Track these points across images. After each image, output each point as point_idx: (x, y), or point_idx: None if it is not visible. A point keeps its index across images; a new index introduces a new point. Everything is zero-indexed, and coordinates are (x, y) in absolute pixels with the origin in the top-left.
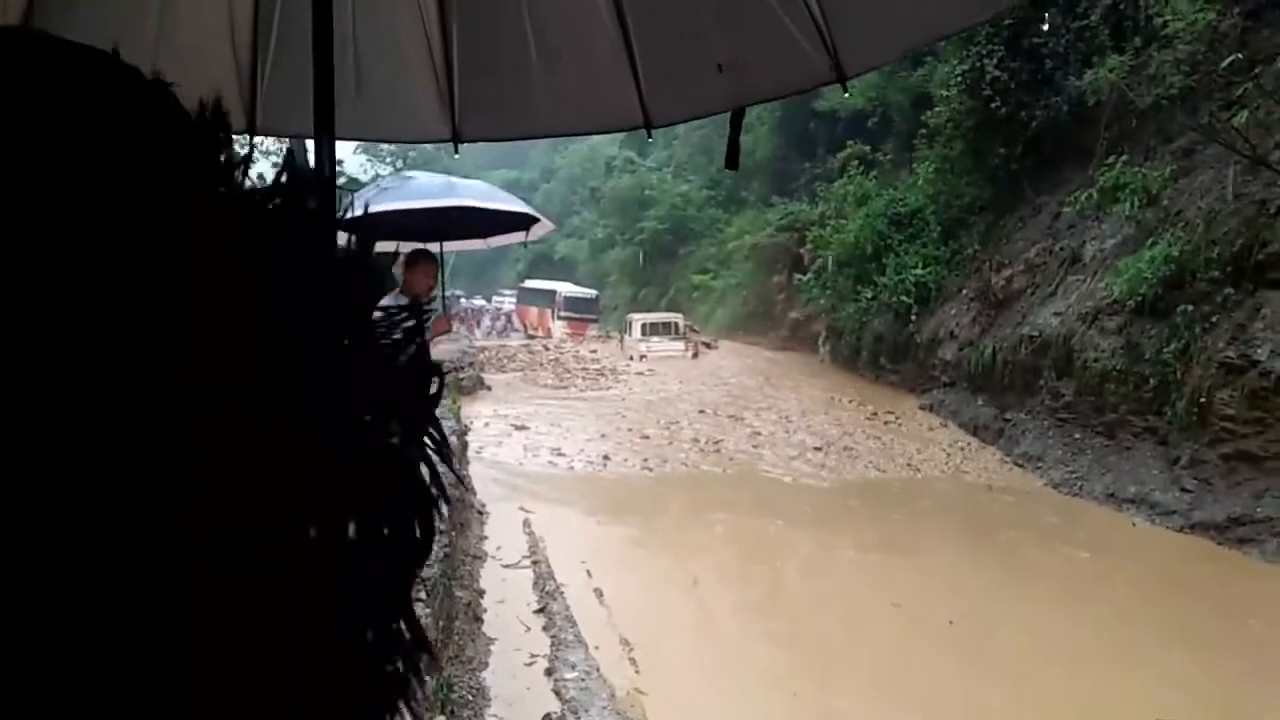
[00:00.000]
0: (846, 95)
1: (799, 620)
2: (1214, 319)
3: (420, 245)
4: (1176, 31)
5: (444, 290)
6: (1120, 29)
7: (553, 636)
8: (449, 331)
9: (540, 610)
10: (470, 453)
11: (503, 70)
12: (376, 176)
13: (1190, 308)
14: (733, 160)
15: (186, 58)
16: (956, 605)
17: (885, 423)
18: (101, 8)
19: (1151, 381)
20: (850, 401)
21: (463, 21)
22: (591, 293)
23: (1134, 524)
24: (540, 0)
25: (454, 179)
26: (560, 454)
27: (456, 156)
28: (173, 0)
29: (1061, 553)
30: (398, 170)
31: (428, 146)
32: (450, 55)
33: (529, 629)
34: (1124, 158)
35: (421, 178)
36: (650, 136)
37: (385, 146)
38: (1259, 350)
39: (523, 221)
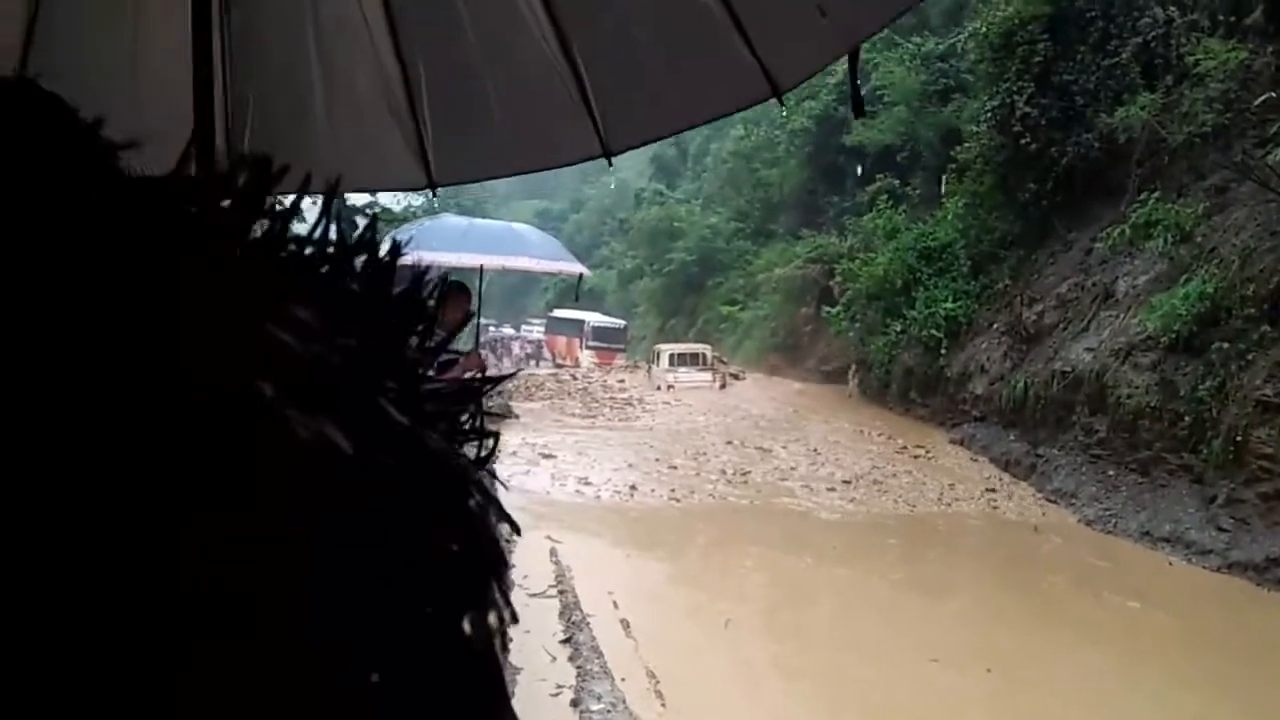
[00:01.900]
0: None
1: (829, 659)
2: (1250, 356)
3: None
4: (1208, 70)
5: (478, 319)
6: (1151, 67)
7: (579, 667)
8: (483, 369)
9: (566, 640)
10: (498, 481)
11: (466, 113)
12: (408, 206)
13: (1226, 345)
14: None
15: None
16: (993, 651)
17: (915, 457)
18: (85, 76)
19: (1186, 419)
20: (879, 435)
21: (421, 66)
22: (619, 322)
23: (1170, 563)
24: (491, 44)
25: (514, 226)
26: (587, 483)
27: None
28: (148, 56)
29: (1099, 596)
30: (430, 201)
31: None
32: (415, 100)
33: (555, 659)
34: (1156, 194)
35: (478, 225)
36: (610, 164)
37: None
38: None
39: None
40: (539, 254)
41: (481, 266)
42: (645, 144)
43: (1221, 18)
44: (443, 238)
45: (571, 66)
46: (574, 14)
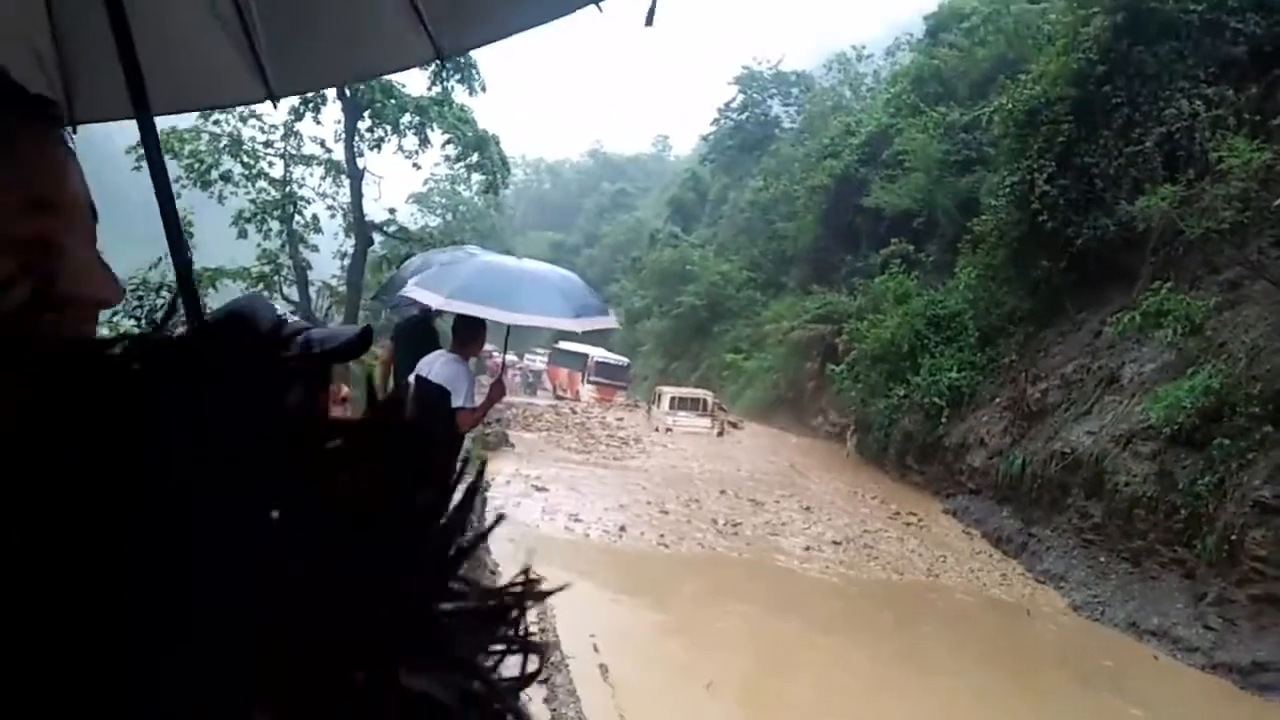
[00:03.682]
0: (880, 188)
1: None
2: (1251, 456)
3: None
4: (1232, 167)
5: (505, 350)
6: (1174, 158)
7: (554, 710)
8: (503, 393)
9: (543, 682)
10: (489, 510)
11: (298, 23)
12: (424, 226)
13: (1228, 442)
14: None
15: None
16: None
17: (907, 524)
18: None
19: (1183, 512)
20: (873, 498)
21: None
22: (623, 360)
23: (1156, 657)
24: None
25: (566, 278)
26: (578, 519)
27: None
28: None
29: (1084, 684)
30: (447, 223)
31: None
32: (244, 14)
33: (529, 699)
34: (1169, 284)
35: (527, 276)
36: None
37: (437, 197)
38: None
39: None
40: (589, 313)
41: None
42: (477, 47)
43: (1247, 116)
44: (492, 290)
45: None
46: None
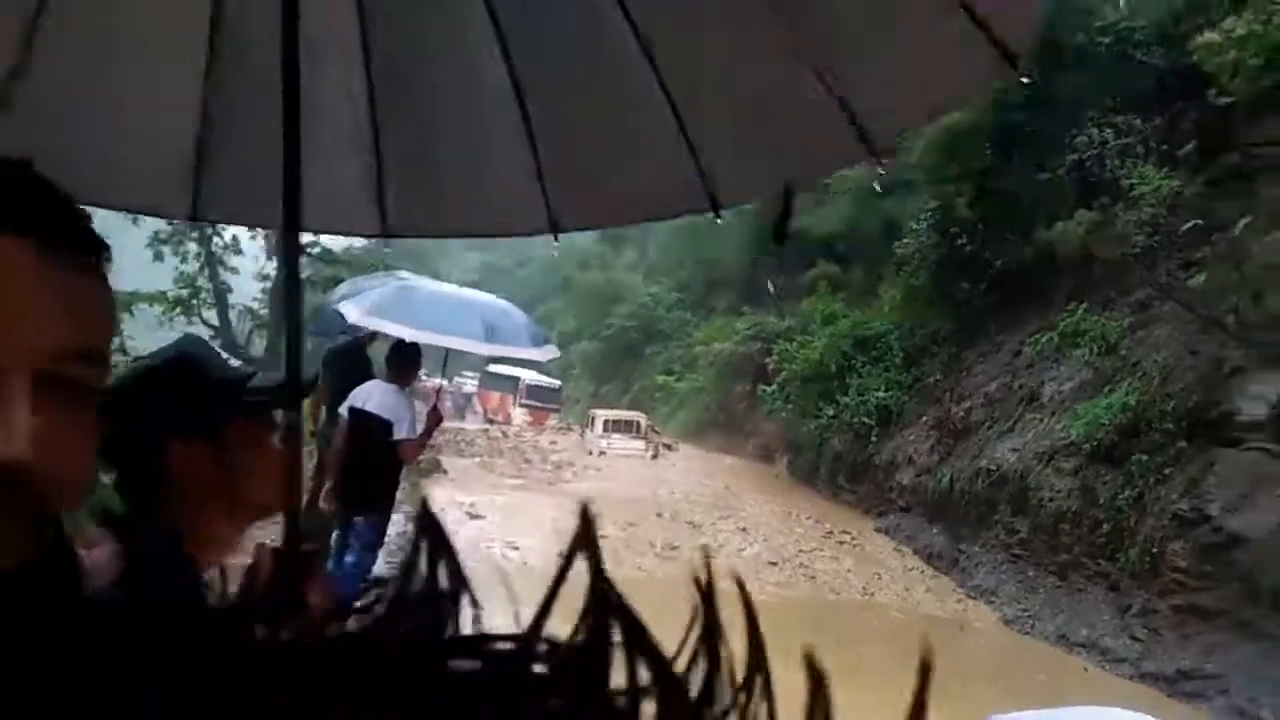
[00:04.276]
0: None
1: None
2: (1168, 470)
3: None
4: (1142, 194)
5: (444, 375)
6: (1087, 184)
7: None
8: (440, 421)
9: None
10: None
11: (425, 169)
12: (349, 248)
13: (1145, 457)
14: (780, 235)
15: (135, 132)
16: None
17: (840, 543)
18: (55, 77)
19: (1105, 526)
20: (807, 518)
21: (389, 121)
22: (555, 383)
23: (1086, 669)
24: (455, 107)
25: (501, 308)
26: (514, 547)
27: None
28: (123, 69)
29: (1018, 698)
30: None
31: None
32: (381, 154)
33: None
34: (1084, 305)
35: (426, 293)
36: (555, 240)
37: None
38: (1211, 505)
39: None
40: (510, 340)
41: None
42: (591, 229)
43: (1154, 144)
44: (410, 309)
45: (530, 139)
46: (537, 88)
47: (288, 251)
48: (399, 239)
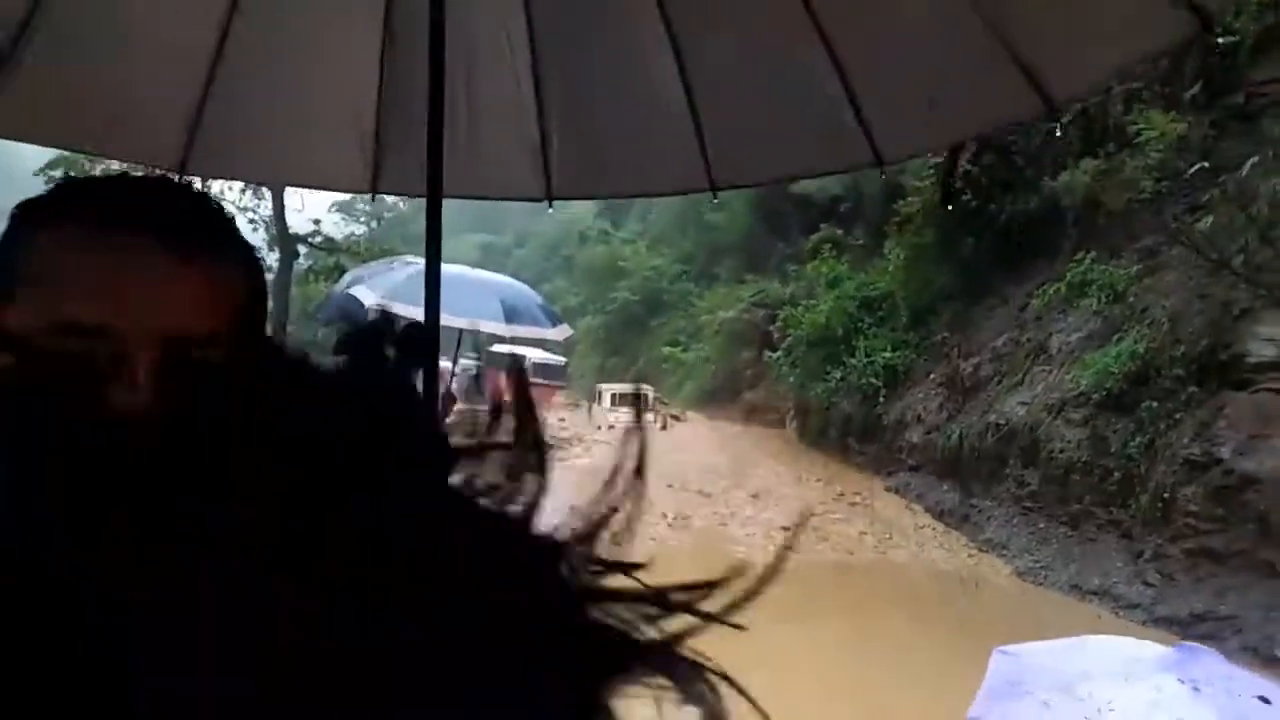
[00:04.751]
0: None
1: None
2: (1178, 416)
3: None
4: (1148, 139)
5: (457, 358)
6: (1091, 133)
7: None
8: (454, 403)
9: None
10: None
11: (588, 134)
12: (350, 235)
13: (1155, 404)
14: (947, 198)
15: (121, 71)
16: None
17: (852, 504)
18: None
19: (1116, 475)
20: (818, 481)
21: (553, 84)
22: (560, 360)
23: (1099, 616)
24: (616, 69)
25: (515, 288)
26: None
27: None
28: (306, 67)
29: None
30: (374, 231)
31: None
32: (544, 119)
33: None
34: (1091, 255)
35: (445, 276)
36: (714, 198)
37: (361, 204)
38: (1222, 449)
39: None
40: (525, 320)
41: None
42: (752, 186)
43: (1159, 88)
44: (446, 297)
45: (689, 99)
46: (695, 46)
47: (430, 219)
48: (562, 200)
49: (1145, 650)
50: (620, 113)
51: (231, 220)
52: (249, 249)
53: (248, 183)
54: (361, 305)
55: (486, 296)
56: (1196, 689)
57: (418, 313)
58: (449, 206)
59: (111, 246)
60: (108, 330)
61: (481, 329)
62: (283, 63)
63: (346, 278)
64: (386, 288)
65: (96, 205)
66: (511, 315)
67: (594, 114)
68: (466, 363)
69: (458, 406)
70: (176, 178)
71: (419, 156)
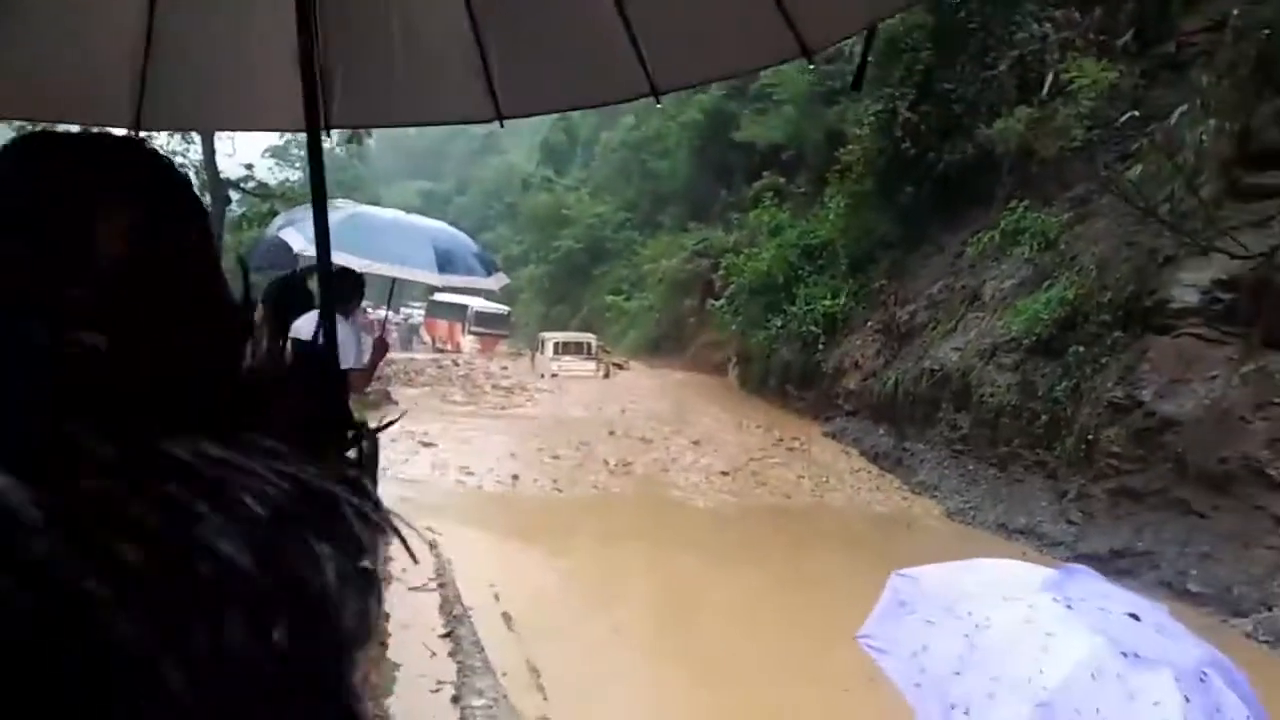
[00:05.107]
0: (750, 121)
1: (712, 649)
2: (1104, 360)
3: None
4: (1081, 87)
5: (389, 305)
6: (1026, 81)
7: (459, 662)
8: (387, 350)
9: (447, 635)
10: (381, 468)
11: (530, 51)
12: (284, 181)
13: (1082, 349)
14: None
15: (68, 43)
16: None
17: (790, 449)
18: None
19: (1043, 418)
20: (757, 427)
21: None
22: (503, 309)
23: (1025, 554)
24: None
25: (449, 233)
26: (469, 472)
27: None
28: None
29: None
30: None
31: (338, 151)
32: (482, 40)
33: (435, 654)
34: (1025, 203)
35: (377, 221)
36: (659, 102)
37: (295, 150)
38: (1144, 392)
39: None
40: (460, 269)
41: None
42: (700, 84)
43: (1093, 36)
44: (356, 239)
45: (620, 8)
46: None
47: (311, 148)
48: (512, 119)
49: (1030, 572)
50: (555, 25)
51: (178, 171)
52: (197, 201)
53: (201, 132)
54: (290, 249)
55: (420, 244)
56: (1070, 606)
57: (349, 259)
58: (387, 152)
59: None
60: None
61: (413, 278)
62: (217, 11)
63: (276, 221)
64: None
65: (54, 160)
66: (445, 264)
67: (530, 28)
68: (408, 311)
69: (391, 355)
70: (132, 134)
71: (365, 90)
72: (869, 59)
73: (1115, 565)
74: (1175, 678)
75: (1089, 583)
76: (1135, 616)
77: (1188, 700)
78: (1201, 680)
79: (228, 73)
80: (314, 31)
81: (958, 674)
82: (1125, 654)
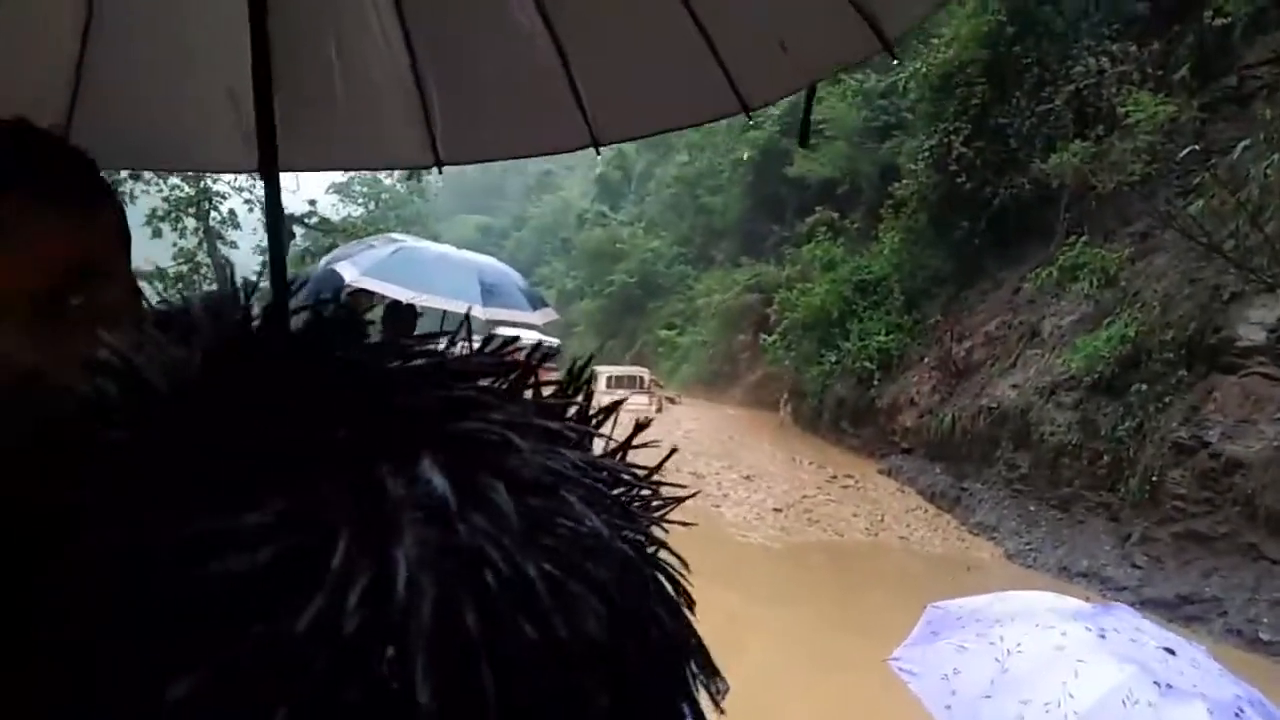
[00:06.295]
0: (803, 157)
1: (752, 690)
2: (1167, 399)
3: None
4: (1138, 121)
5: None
6: (1083, 114)
7: None
8: None
9: None
10: None
11: (469, 98)
12: (347, 217)
13: (1145, 387)
14: (804, 138)
15: (184, 101)
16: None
17: (844, 487)
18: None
19: (1105, 458)
20: (810, 463)
21: (427, 52)
22: (555, 342)
23: (1088, 598)
24: (488, 29)
25: (466, 256)
26: None
27: (431, 190)
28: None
29: None
30: (370, 212)
31: (398, 188)
32: (423, 86)
33: None
34: (1084, 238)
35: (424, 255)
36: (598, 153)
37: (358, 185)
38: (1210, 432)
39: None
40: (522, 305)
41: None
42: (641, 138)
43: (1150, 70)
44: (404, 271)
45: (562, 59)
46: (567, 16)
47: (268, 191)
48: (451, 165)
49: (1062, 603)
50: (497, 72)
51: (93, 165)
52: (113, 195)
53: (133, 169)
54: (341, 279)
55: (466, 277)
56: (1103, 636)
57: (396, 290)
58: (446, 189)
59: None
60: None
61: (455, 309)
62: (152, 44)
63: (334, 252)
64: (367, 264)
65: None
66: (489, 297)
67: (472, 75)
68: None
69: None
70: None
71: (308, 132)
72: (810, 115)
73: (1183, 611)
74: (1209, 710)
75: (1124, 617)
76: (1170, 650)
77: None
78: (1237, 716)
79: (162, 110)
80: (268, 74)
81: (988, 697)
82: (1158, 684)
